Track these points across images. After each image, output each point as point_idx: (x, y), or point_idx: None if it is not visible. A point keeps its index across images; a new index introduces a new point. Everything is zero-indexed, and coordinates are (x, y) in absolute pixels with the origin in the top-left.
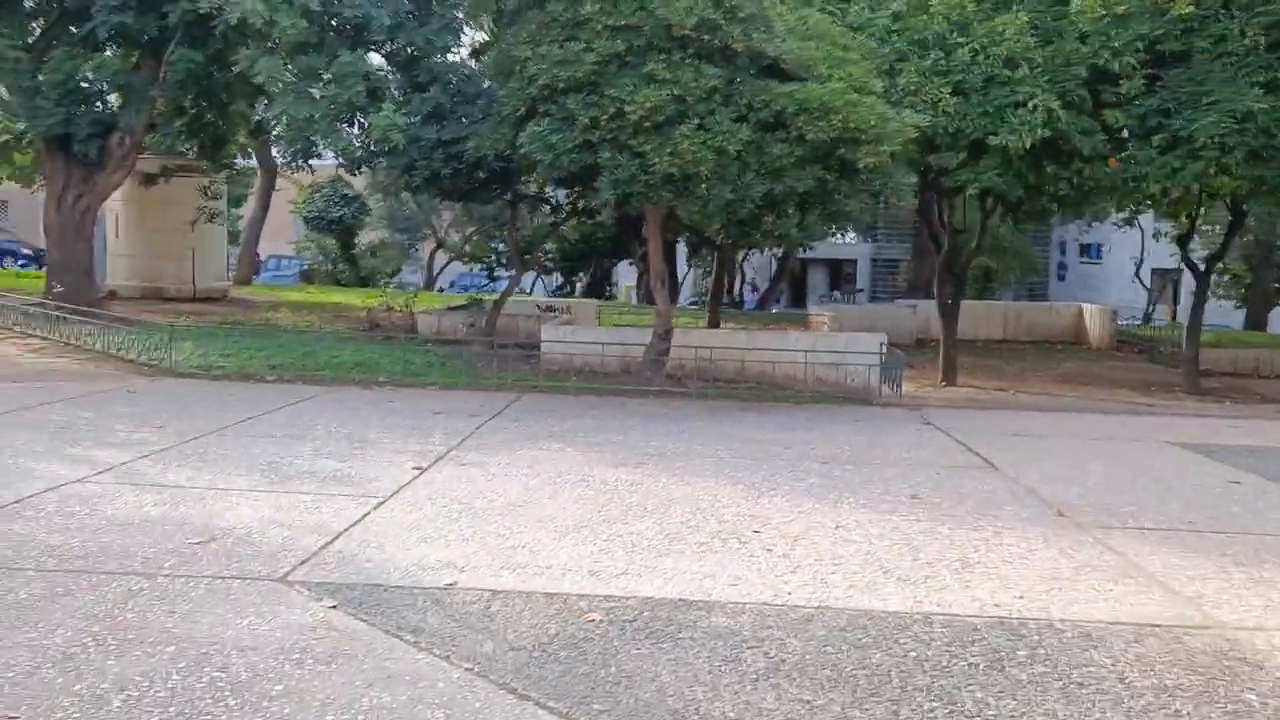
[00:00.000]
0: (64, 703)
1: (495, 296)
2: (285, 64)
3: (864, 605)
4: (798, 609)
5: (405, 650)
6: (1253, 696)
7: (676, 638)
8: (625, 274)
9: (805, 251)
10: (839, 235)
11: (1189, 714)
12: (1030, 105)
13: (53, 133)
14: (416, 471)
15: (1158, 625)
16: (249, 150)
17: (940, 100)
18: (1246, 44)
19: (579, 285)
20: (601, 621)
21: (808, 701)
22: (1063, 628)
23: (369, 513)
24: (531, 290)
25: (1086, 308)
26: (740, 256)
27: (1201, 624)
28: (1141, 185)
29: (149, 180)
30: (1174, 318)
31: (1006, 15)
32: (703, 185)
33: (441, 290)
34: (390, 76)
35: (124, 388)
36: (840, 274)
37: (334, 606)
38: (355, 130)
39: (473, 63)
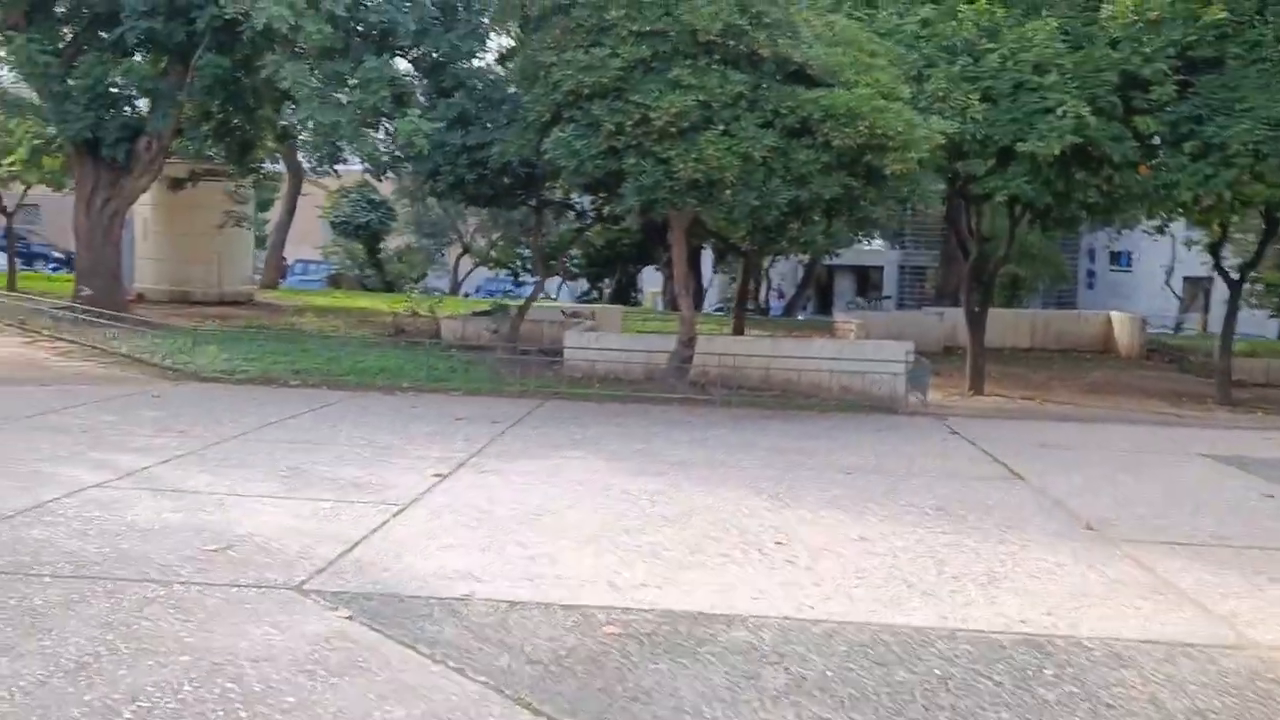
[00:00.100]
0: (74, 713)
1: (520, 302)
2: (311, 69)
3: (888, 620)
4: (820, 624)
5: (420, 662)
6: None
7: (696, 652)
8: (651, 280)
9: (832, 258)
10: (866, 242)
11: None
12: (1060, 111)
13: (81, 137)
14: (437, 479)
15: (1190, 644)
16: (276, 155)
17: (969, 106)
18: None
19: (605, 291)
20: (620, 635)
21: None
22: (1091, 646)
23: (388, 520)
24: (558, 296)
25: (1115, 316)
26: (766, 263)
27: (1235, 644)
28: (1173, 193)
29: (176, 184)
30: (1205, 327)
31: (1036, 21)
32: (728, 191)
33: (467, 295)
34: (416, 82)
35: (148, 392)
36: (867, 281)
37: (350, 617)
38: (381, 135)
39: (498, 68)
